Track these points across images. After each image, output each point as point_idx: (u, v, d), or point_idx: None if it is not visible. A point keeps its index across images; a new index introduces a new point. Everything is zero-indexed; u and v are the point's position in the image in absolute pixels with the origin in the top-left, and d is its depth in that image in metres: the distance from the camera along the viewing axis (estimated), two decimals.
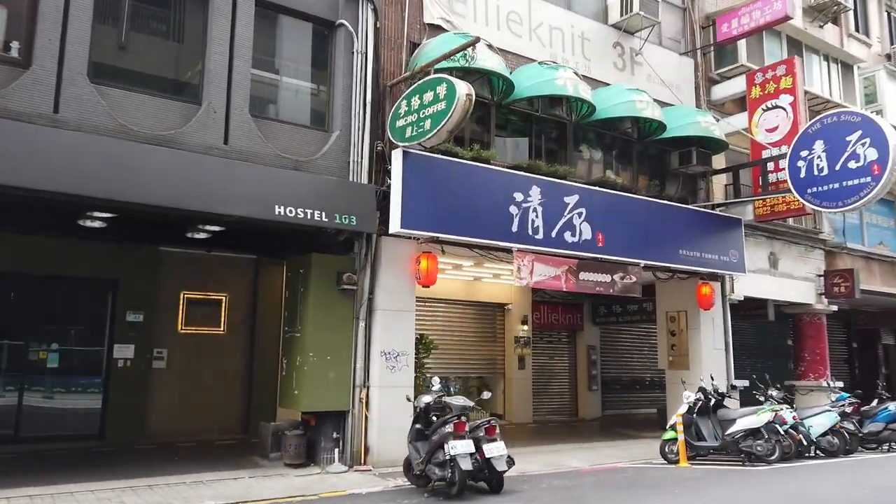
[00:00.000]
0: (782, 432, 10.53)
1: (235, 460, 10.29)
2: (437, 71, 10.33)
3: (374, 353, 10.41)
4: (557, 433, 14.89)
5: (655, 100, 14.23)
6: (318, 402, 9.97)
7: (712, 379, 12.20)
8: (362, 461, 9.98)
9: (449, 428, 7.90)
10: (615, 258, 12.54)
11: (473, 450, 7.83)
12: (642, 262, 12.95)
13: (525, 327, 16.61)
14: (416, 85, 10.11)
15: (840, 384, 16.25)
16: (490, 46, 11.56)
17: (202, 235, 11.26)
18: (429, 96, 9.76)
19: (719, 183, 15.84)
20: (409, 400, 8.91)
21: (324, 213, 9.65)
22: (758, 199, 15.09)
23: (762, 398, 12.10)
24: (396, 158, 10.23)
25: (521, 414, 16.22)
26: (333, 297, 10.21)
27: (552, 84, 11.93)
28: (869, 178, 12.06)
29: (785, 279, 16.80)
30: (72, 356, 11.56)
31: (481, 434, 8.17)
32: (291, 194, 9.48)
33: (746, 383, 14.90)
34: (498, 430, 8.27)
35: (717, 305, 14.94)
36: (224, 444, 11.81)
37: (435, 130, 9.47)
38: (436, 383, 8.97)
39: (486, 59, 11.04)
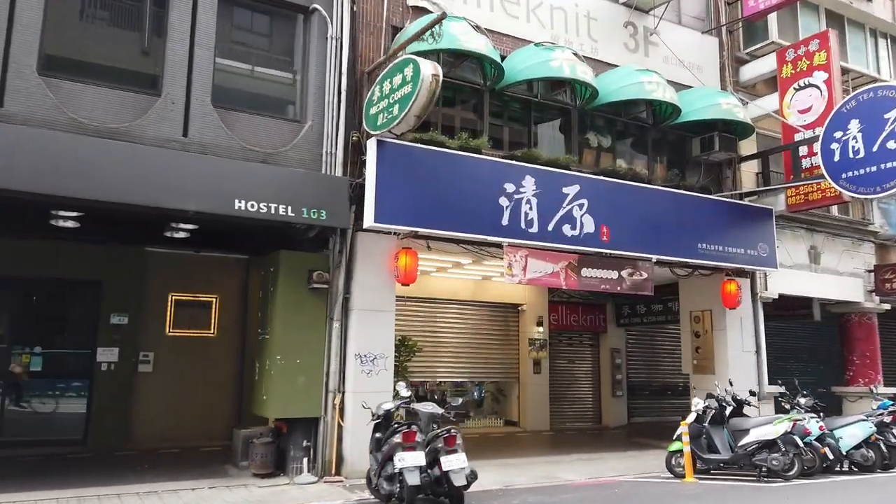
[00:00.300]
0: (802, 444, 9.34)
1: (206, 468, 9.81)
2: (422, 55, 9.68)
3: (350, 357, 9.78)
4: (570, 442, 13.92)
5: (674, 82, 13.23)
6: (286, 408, 9.40)
7: (731, 384, 11.07)
8: (333, 472, 9.35)
9: (398, 438, 7.18)
10: (622, 253, 11.55)
11: (423, 462, 7.07)
12: (654, 258, 11.90)
13: (540, 329, 15.68)
14: (387, 69, 9.46)
15: (892, 391, 14.70)
16: (478, 28, 10.78)
17: (181, 234, 10.92)
18: (397, 80, 9.10)
19: (750, 171, 14.57)
20: (365, 407, 8.21)
21: (290, 208, 9.06)
22: (787, 187, 13.75)
23: (788, 405, 10.94)
24: (371, 148, 9.59)
25: (536, 421, 15.29)
26: (304, 296, 9.62)
27: (547, 66, 11.07)
28: None
29: (828, 275, 15.37)
30: (56, 360, 11.36)
31: (440, 445, 7.39)
32: (255, 188, 8.92)
33: (782, 389, 13.63)
34: (459, 441, 7.47)
35: (745, 304, 13.70)
36: (209, 450, 11.35)
37: (402, 115, 8.80)
38: (402, 388, 8.26)
39: (469, 41, 10.29)
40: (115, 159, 8.20)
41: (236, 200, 8.75)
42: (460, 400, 9.10)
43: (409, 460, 6.98)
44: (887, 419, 10.72)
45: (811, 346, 19.18)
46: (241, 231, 10.57)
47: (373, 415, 7.96)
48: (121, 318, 11.58)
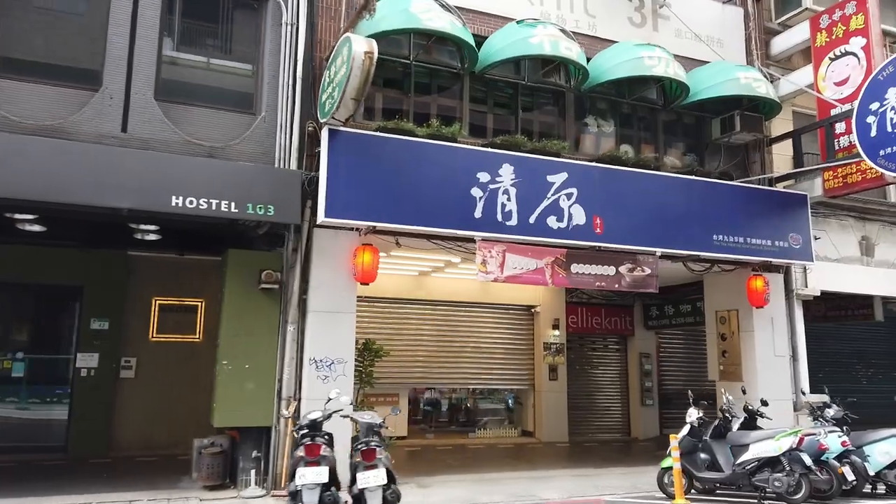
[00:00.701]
0: (811, 463, 7.95)
1: (162, 479, 9.39)
2: (386, 36, 9.13)
3: (306, 362, 9.15)
4: (581, 455, 12.78)
5: (689, 58, 12.10)
6: (233, 416, 8.86)
7: (743, 392, 9.82)
8: (284, 485, 8.68)
9: (300, 452, 6.46)
10: (619, 246, 10.43)
11: (326, 479, 6.32)
12: (658, 251, 10.69)
13: (556, 332, 14.59)
14: (333, 52, 8.83)
15: None
16: (445, 6, 9.96)
17: (151, 237, 10.70)
18: (339, 62, 8.47)
19: (785, 155, 13.02)
20: (285, 416, 7.52)
21: (233, 204, 8.51)
22: (818, 169, 12.12)
23: (811, 417, 9.55)
24: (323, 138, 8.98)
25: (553, 432, 14.19)
26: (253, 298, 9.09)
27: (525, 44, 10.13)
28: None
29: (883, 269, 13.57)
30: (38, 366, 11.30)
31: (358, 459, 6.63)
32: (197, 184, 8.43)
33: (825, 398, 12.08)
34: (380, 456, 6.67)
35: (778, 302, 12.21)
36: (186, 459, 10.91)
37: (339, 99, 8.14)
38: (335, 394, 7.54)
39: (432, 19, 9.49)
40: (44, 157, 7.86)
41: (173, 197, 8.28)
42: (399, 410, 8.20)
43: (310, 477, 6.26)
44: None
45: (880, 351, 17.22)
46: (220, 232, 10.18)
47: (295, 425, 7.25)
48: (101, 324, 11.41)
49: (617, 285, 10.58)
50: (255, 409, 8.88)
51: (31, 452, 10.79)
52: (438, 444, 13.20)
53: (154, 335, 11.91)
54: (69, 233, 10.59)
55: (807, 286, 12.66)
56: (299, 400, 9.05)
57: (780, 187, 12.50)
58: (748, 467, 8.17)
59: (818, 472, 8.08)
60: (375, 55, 7.87)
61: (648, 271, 10.69)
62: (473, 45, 9.98)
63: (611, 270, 10.52)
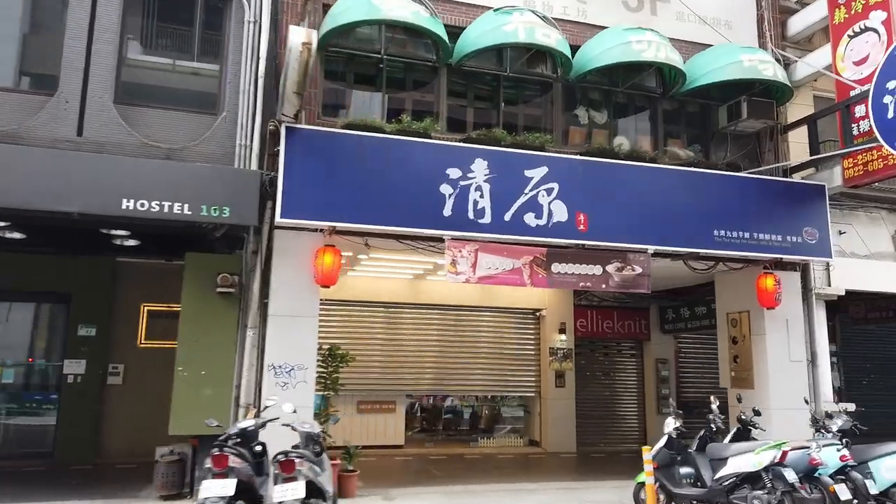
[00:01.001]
0: (792, 479, 7.06)
1: (127, 487, 9.28)
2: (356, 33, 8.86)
3: (266, 368, 8.85)
4: (582, 467, 12.07)
5: (694, 43, 11.41)
6: (189, 424, 8.60)
7: (739, 400, 9.02)
8: None
9: (208, 462, 6.12)
10: (606, 244, 9.75)
11: (232, 492, 5.94)
12: (651, 248, 9.95)
13: (563, 337, 13.87)
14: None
15: None
16: None
17: (129, 242, 10.62)
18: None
19: (804, 143, 12.01)
20: (211, 425, 7.16)
21: (186, 206, 8.29)
22: (828, 157, 11.09)
23: (813, 428, 8.66)
24: (282, 136, 8.69)
25: (560, 441, 13.48)
26: (210, 301, 8.86)
27: (499, 32, 9.60)
28: None
29: None
30: (27, 372, 11.40)
31: (276, 471, 6.25)
32: (150, 186, 8.24)
33: (850, 407, 11.10)
34: (301, 468, 6.26)
35: (793, 303, 11.22)
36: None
37: (282, 94, 7.83)
38: (272, 402, 7.19)
39: (393, 10, 9.08)
40: None
41: (124, 200, 8.13)
42: (337, 419, 7.80)
43: (215, 490, 5.91)
44: None
45: None
46: (188, 235, 10.04)
47: (228, 437, 6.85)
48: (88, 330, 11.44)
49: (604, 285, 9.89)
50: (212, 416, 8.56)
51: (20, 459, 10.88)
52: (434, 453, 12.71)
53: (142, 341, 11.88)
54: (54, 240, 10.66)
55: (829, 285, 11.62)
56: (258, 407, 8.75)
57: (797, 178, 11.53)
58: (726, 483, 7.38)
59: (806, 490, 7.20)
60: (314, 46, 7.52)
61: (639, 270, 9.95)
62: (443, 35, 9.52)
63: (597, 270, 9.84)
